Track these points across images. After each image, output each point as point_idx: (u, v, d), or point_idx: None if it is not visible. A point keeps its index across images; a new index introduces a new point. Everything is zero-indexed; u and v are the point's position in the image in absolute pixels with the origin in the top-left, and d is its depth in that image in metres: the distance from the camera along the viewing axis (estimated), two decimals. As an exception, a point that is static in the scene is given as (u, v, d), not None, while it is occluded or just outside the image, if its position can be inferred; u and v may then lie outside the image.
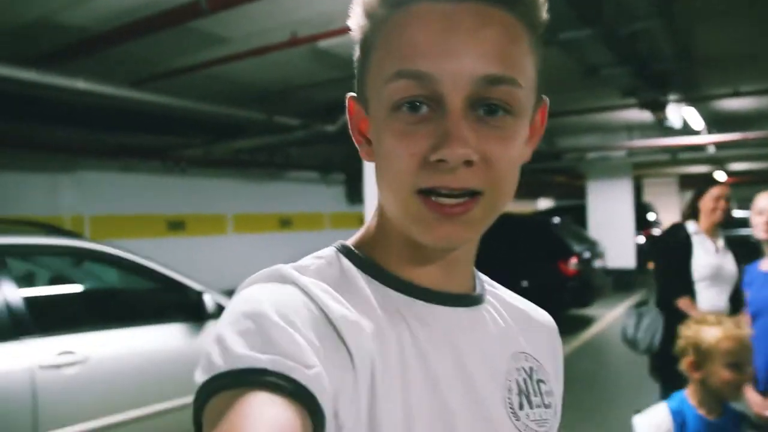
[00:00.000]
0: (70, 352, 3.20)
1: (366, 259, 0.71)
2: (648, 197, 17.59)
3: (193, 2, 3.83)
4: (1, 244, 3.33)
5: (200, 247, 9.58)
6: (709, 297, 3.33)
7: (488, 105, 0.60)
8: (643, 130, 10.23)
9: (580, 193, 13.62)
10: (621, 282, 11.98)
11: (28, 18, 4.26)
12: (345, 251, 0.72)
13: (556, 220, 9.76)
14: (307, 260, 0.70)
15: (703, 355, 2.06)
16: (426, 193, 0.60)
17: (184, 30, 4.33)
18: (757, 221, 2.96)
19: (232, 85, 6.37)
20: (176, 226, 9.46)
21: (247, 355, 0.53)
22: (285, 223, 11.67)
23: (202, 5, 3.77)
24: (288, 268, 0.65)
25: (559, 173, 15.99)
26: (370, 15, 0.65)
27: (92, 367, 3.27)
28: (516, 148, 0.63)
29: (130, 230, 8.45)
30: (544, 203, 24.29)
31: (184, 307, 3.79)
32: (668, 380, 3.21)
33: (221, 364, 0.53)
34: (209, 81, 6.02)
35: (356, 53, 0.69)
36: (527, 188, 23.10)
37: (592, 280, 8.99)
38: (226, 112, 6.59)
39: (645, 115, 7.94)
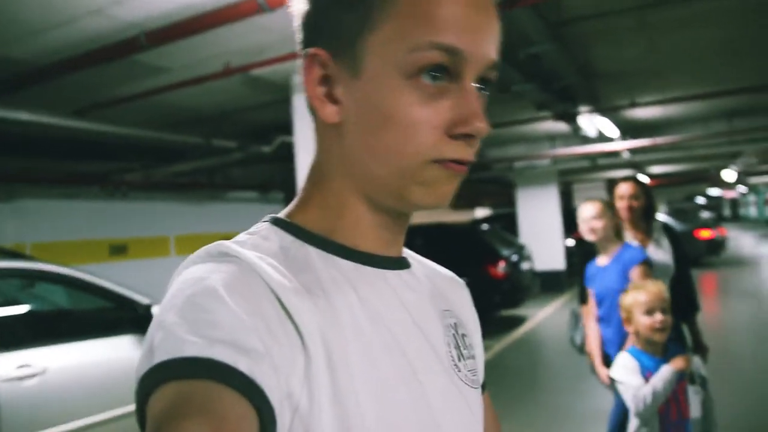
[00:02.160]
0: (28, 365, 3.38)
1: (305, 229, 0.68)
2: (578, 202, 18.32)
3: (133, 37, 3.96)
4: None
5: (143, 270, 9.45)
6: None
7: (480, 83, 0.64)
8: (565, 139, 10.61)
9: (513, 201, 14.00)
10: (551, 283, 12.45)
11: (-29, 54, 4.28)
12: (280, 224, 0.69)
13: (485, 227, 10.16)
14: (242, 237, 0.68)
15: (628, 311, 2.57)
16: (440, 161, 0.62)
17: (125, 62, 4.39)
18: (583, 228, 3.20)
19: (171, 111, 6.42)
20: (118, 250, 9.43)
21: (192, 341, 0.50)
22: (227, 242, 11.61)
23: (141, 40, 3.91)
24: (230, 244, 0.63)
25: (492, 183, 16.38)
26: None
27: (50, 378, 3.44)
28: None
29: (72, 256, 8.34)
30: (481, 212, 24.94)
31: (134, 320, 3.90)
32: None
33: (164, 353, 0.50)
34: (149, 108, 6.07)
35: (338, 6, 0.63)
36: (465, 199, 23.67)
37: (520, 282, 9.27)
38: (165, 137, 6.65)
39: (564, 126, 8.26)
